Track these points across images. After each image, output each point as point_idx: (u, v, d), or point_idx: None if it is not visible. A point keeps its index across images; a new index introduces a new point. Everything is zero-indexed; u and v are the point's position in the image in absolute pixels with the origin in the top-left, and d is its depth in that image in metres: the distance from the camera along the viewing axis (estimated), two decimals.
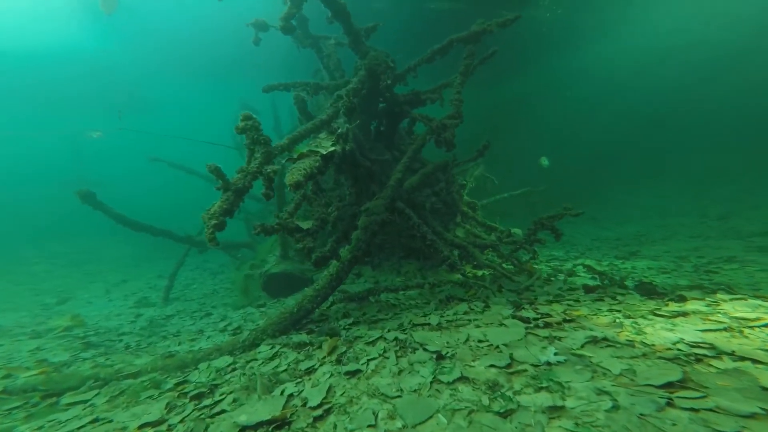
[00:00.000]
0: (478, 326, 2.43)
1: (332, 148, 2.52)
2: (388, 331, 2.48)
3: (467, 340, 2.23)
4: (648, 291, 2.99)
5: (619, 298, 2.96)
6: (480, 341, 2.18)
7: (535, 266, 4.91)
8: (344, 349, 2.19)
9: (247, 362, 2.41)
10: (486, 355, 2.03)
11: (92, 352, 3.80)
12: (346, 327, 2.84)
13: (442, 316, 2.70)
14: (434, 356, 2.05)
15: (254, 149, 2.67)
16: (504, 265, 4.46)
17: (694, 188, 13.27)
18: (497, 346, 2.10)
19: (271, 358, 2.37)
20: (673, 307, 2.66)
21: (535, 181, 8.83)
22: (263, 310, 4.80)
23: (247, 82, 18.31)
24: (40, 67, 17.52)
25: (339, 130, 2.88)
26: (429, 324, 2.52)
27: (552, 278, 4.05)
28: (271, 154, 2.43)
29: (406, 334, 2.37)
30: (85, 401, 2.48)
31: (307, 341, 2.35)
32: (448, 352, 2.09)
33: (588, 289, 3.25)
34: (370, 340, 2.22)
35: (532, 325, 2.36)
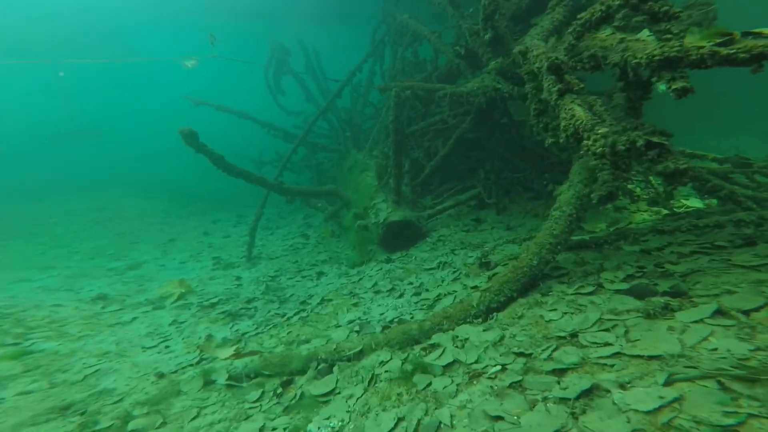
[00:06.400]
0: None
1: None
2: None
3: None
4: None
5: None
6: None
7: None
8: None
9: (551, 346, 2.02)
10: None
11: (248, 324, 3.49)
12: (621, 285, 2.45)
13: None
14: None
15: None
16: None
17: None
18: None
19: (607, 329, 1.99)
20: None
21: None
22: (402, 266, 4.44)
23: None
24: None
25: None
26: None
27: None
28: None
29: None
30: (349, 395, 2.14)
31: (655, 307, 1.95)
32: None
33: None
34: None
35: None
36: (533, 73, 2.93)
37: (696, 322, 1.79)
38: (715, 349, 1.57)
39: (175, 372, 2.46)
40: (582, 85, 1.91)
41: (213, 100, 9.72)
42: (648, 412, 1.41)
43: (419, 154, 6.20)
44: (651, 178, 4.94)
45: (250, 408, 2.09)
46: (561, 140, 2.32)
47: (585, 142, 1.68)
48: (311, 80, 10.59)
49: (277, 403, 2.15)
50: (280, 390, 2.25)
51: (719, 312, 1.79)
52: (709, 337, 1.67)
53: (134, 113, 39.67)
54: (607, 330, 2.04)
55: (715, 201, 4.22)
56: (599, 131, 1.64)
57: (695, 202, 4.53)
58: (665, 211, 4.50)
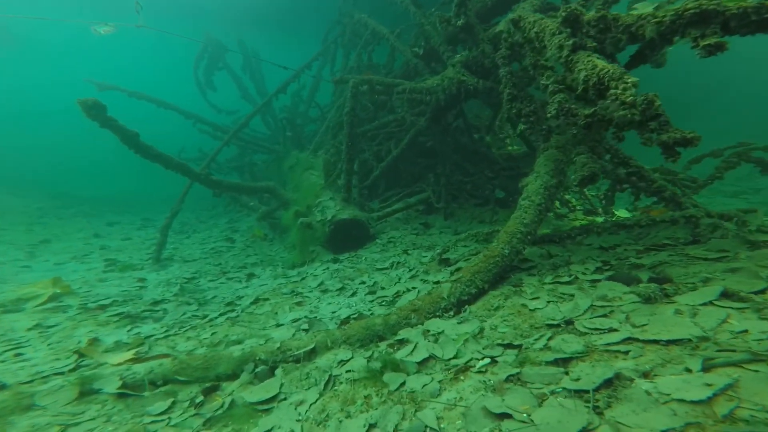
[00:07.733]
0: None
1: None
2: None
3: None
4: None
5: None
6: None
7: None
8: None
9: (542, 340, 1.78)
10: None
11: (155, 327, 2.67)
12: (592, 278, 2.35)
13: None
14: None
15: None
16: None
17: None
18: None
19: (604, 315, 1.80)
20: None
21: None
22: (352, 266, 3.99)
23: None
24: None
25: None
26: None
27: None
28: None
29: None
30: (299, 401, 1.63)
31: (654, 290, 1.81)
32: None
33: None
34: None
35: None
36: (509, 56, 2.87)
37: (704, 305, 1.69)
38: (745, 330, 1.44)
39: (29, 382, 1.64)
40: (595, 44, 1.80)
41: (142, 90, 8.33)
42: (698, 402, 1.18)
43: (368, 156, 5.92)
44: (585, 190, 5.32)
45: (152, 422, 1.43)
46: (551, 112, 2.20)
47: (613, 90, 1.52)
48: (248, 80, 9.88)
49: (196, 414, 1.52)
50: (200, 398, 1.61)
51: (725, 294, 1.71)
52: (727, 319, 1.56)
53: (21, 98, 33.21)
54: (604, 316, 1.87)
55: (637, 213, 4.66)
56: (629, 80, 1.50)
57: (623, 213, 4.95)
58: (600, 219, 4.82)
